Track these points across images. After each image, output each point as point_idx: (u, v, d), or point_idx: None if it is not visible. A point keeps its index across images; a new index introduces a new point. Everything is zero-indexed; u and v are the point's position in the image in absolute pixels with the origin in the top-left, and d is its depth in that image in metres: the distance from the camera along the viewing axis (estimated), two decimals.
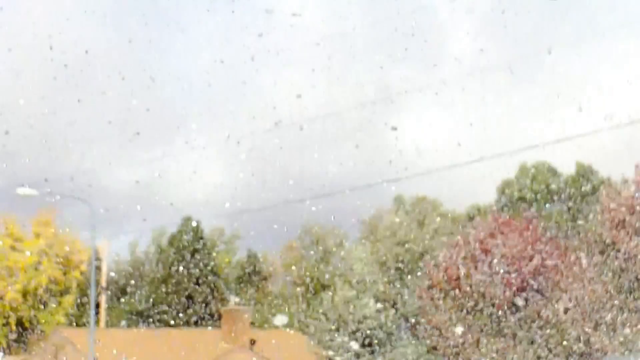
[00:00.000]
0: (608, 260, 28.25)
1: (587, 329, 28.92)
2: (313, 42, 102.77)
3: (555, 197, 53.64)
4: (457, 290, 33.88)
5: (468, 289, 33.52)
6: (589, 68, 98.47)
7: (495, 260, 32.81)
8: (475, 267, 33.43)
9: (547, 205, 53.27)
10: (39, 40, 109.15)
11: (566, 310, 29.68)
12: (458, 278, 33.85)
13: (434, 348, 37.38)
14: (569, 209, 53.37)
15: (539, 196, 52.59)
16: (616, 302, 28.05)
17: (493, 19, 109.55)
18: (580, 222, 42.70)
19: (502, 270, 32.60)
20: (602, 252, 28.68)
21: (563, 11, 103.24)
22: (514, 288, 32.73)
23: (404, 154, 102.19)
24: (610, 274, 28.21)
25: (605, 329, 28.31)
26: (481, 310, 33.56)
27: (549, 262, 32.21)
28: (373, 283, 44.70)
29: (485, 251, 33.23)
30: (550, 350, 31.06)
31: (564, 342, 30.63)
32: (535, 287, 32.19)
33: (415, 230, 47.90)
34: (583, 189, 52.77)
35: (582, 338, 29.34)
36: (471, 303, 33.63)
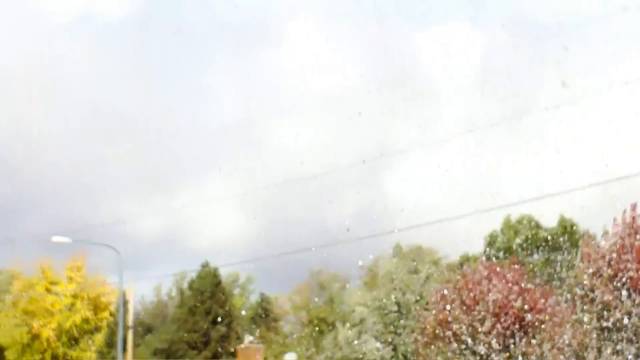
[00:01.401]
0: (586, 307, 28.07)
1: None
2: (317, 103, 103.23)
3: (538, 248, 53.54)
4: (448, 332, 33.62)
5: (458, 331, 33.28)
6: (573, 127, 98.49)
7: (482, 304, 32.66)
8: (464, 311, 33.20)
9: (533, 255, 53.12)
10: (77, 100, 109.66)
11: (550, 350, 29.41)
12: (448, 321, 33.59)
13: None
14: (549, 259, 53.18)
15: (523, 246, 52.53)
16: (595, 343, 27.78)
17: (483, 79, 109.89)
18: (561, 270, 42.57)
19: (489, 313, 32.46)
20: (582, 299, 28.45)
21: (546, 71, 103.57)
22: (501, 329, 32.52)
23: (400, 206, 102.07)
24: (588, 319, 27.99)
25: None
26: (473, 352, 33.29)
27: (531, 306, 32.11)
28: (373, 324, 44.63)
29: (474, 296, 33.04)
30: None
31: None
32: (520, 329, 32.04)
33: (409, 277, 47.80)
34: (564, 241, 52.64)
35: None
36: (462, 344, 33.35)
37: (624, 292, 26.78)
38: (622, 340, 26.99)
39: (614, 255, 27.37)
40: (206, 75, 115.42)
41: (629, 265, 27.01)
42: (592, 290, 27.49)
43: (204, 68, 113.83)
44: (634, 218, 27.70)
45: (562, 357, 28.62)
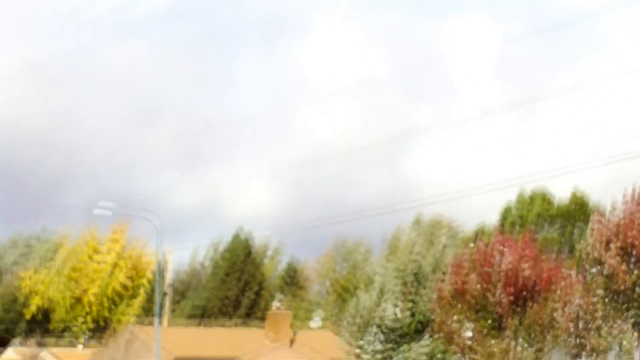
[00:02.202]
0: (595, 276, 27.92)
1: (578, 332, 28.39)
2: (346, 86, 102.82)
3: (551, 222, 53.15)
4: (463, 299, 33.43)
5: (472, 299, 33.06)
6: (587, 107, 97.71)
7: (494, 274, 32.44)
8: (478, 280, 32.97)
9: (544, 227, 52.75)
10: (121, 85, 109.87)
11: (560, 316, 29.16)
12: (463, 289, 33.38)
13: (446, 348, 36.92)
14: (563, 231, 52.78)
15: (535, 220, 52.16)
16: (602, 309, 27.59)
17: (500, 65, 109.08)
18: (572, 242, 42.25)
19: (501, 282, 32.25)
20: (591, 268, 28.30)
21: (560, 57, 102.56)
22: (512, 297, 32.28)
23: (420, 182, 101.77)
24: (596, 287, 27.84)
25: (594, 332, 27.76)
26: (484, 317, 33.06)
27: (542, 275, 31.87)
28: (392, 292, 44.41)
29: (488, 265, 32.79)
30: (545, 350, 30.62)
31: (559, 341, 30.12)
32: (530, 296, 31.84)
33: (427, 247, 47.50)
34: (576, 215, 52.27)
35: (574, 340, 28.81)
36: (476, 311, 33.15)
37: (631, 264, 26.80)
38: (627, 308, 26.98)
39: (622, 228, 27.29)
40: (238, 64, 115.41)
41: (635, 241, 26.91)
42: (601, 261, 27.38)
43: (236, 57, 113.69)
44: None
45: (571, 323, 28.44)
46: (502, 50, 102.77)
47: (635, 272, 26.75)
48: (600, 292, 27.59)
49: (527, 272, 31.85)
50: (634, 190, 27.82)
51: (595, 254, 27.41)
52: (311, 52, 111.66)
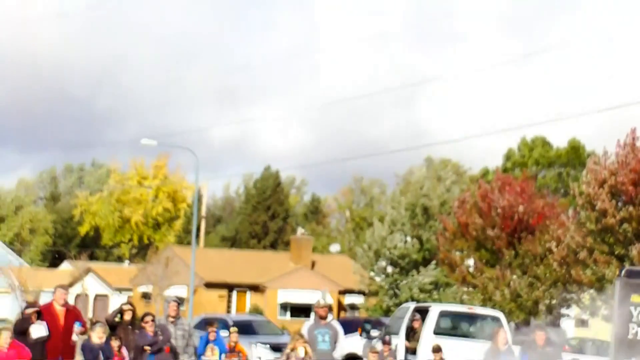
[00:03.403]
0: (587, 213, 27.51)
1: (568, 264, 28.02)
2: (367, 35, 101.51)
3: (549, 165, 52.53)
4: (465, 233, 33.11)
5: (474, 233, 32.71)
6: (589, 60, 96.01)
7: (494, 210, 32.05)
8: (480, 215, 32.56)
9: (543, 170, 52.15)
10: (162, 29, 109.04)
11: (552, 249, 28.78)
12: (466, 224, 33.00)
13: (449, 276, 36.70)
14: (559, 174, 52.17)
15: (535, 163, 51.52)
16: (591, 244, 27.20)
17: (508, 18, 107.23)
18: (567, 183, 41.69)
19: (500, 217, 31.88)
20: (583, 207, 27.86)
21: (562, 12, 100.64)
22: (509, 232, 31.94)
23: (434, 125, 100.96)
24: (589, 224, 27.43)
25: (581, 265, 27.40)
26: (484, 250, 32.72)
27: (538, 211, 31.49)
28: (402, 224, 44.18)
29: (488, 202, 32.36)
30: (538, 279, 30.34)
31: (548, 274, 29.80)
32: (526, 230, 31.50)
33: (435, 186, 47.01)
34: (572, 159, 51.67)
35: (563, 271, 28.47)
36: (477, 242, 32.82)
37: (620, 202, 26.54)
38: (613, 243, 26.78)
39: (615, 170, 26.88)
40: (273, 11, 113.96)
41: (625, 182, 26.49)
42: (593, 200, 27.00)
43: (273, 4, 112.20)
44: (633, 139, 27.05)
45: (561, 255, 28.12)
46: (510, 5, 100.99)
47: (623, 210, 26.41)
48: (591, 227, 27.18)
49: (521, 209, 31.51)
50: (627, 136, 27.33)
51: (589, 192, 27.01)
52: (336, 4, 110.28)
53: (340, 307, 52.69)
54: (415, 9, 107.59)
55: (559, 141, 54.11)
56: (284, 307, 52.00)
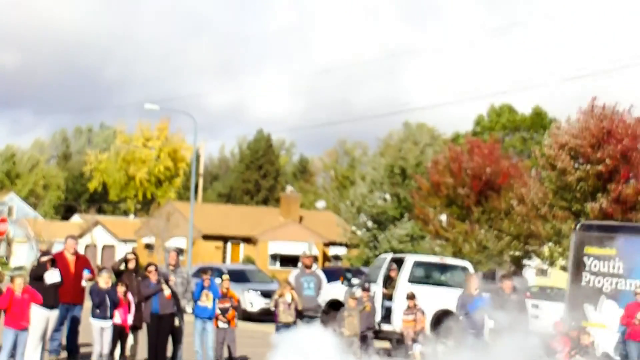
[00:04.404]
0: (548, 173, 27.67)
1: (530, 219, 28.21)
2: (354, 8, 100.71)
3: (514, 130, 52.63)
4: (438, 191, 33.17)
5: (445, 191, 32.80)
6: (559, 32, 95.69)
7: (464, 170, 32.13)
8: (451, 175, 32.64)
9: (509, 135, 52.23)
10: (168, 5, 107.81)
11: (515, 205, 28.93)
12: (439, 183, 33.06)
13: (423, 230, 36.83)
14: (524, 138, 52.27)
15: (502, 128, 51.62)
16: (551, 201, 27.38)
17: None
18: (531, 146, 41.79)
19: (469, 177, 31.99)
20: (544, 167, 28.00)
21: None
22: (477, 190, 32.05)
23: (412, 93, 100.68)
24: (549, 183, 27.59)
25: (542, 220, 27.61)
26: (455, 206, 32.84)
27: (503, 171, 31.61)
28: (381, 183, 44.18)
29: (459, 163, 32.43)
30: (502, 233, 30.56)
31: (512, 228, 30.01)
32: (493, 189, 31.62)
33: (412, 148, 47.03)
34: (535, 125, 51.79)
35: (525, 226, 28.68)
36: (448, 200, 32.93)
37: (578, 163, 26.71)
38: (571, 199, 26.95)
39: (575, 134, 26.99)
40: None
41: (584, 144, 26.61)
42: (554, 161, 27.12)
43: None
44: (593, 107, 27.04)
45: (524, 211, 28.28)
46: None
47: (581, 169, 26.57)
48: (551, 186, 27.34)
49: (488, 170, 31.59)
50: (588, 105, 27.42)
51: (550, 154, 27.15)
52: None
53: (325, 257, 52.88)
54: None
55: (524, 108, 54.14)
56: (274, 257, 52.15)
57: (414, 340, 16.45)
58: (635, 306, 15.16)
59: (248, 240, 52.26)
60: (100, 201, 74.56)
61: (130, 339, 14.34)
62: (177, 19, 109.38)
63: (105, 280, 13.37)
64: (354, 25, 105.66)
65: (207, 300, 14.96)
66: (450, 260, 21.72)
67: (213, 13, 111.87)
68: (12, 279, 13.24)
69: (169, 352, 14.74)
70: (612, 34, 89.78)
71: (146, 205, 67.88)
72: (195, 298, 15.07)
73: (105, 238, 58.72)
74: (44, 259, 14.24)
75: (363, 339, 16.95)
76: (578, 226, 17.30)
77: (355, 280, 20.30)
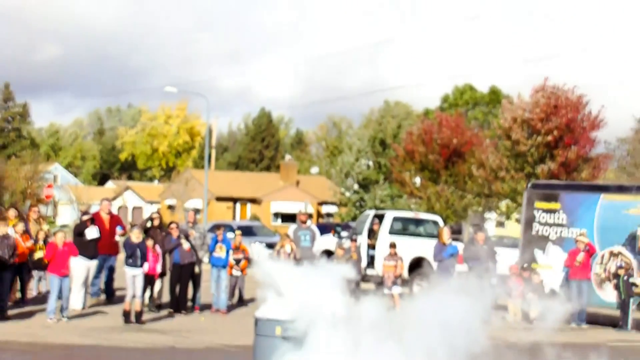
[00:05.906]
0: (504, 142, 27.72)
1: (489, 181, 28.29)
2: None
3: (475, 106, 52.58)
4: (413, 158, 33.11)
5: (419, 158, 32.76)
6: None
7: (434, 140, 32.07)
8: (423, 144, 32.56)
9: (471, 109, 52.15)
10: None
11: (476, 170, 28.98)
12: (413, 152, 33.00)
13: (400, 192, 36.86)
14: (484, 112, 52.20)
15: (465, 105, 51.52)
16: (506, 165, 27.48)
17: None
18: (489, 120, 41.70)
19: (439, 146, 31.94)
20: (500, 137, 28.04)
21: None
22: (445, 157, 32.03)
23: (391, 74, 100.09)
24: (504, 150, 27.66)
25: (500, 180, 27.70)
26: (427, 171, 32.83)
27: (467, 140, 31.58)
28: (365, 153, 44.18)
29: (430, 135, 32.35)
30: (467, 191, 30.63)
31: (475, 188, 30.08)
32: (457, 156, 31.61)
33: (390, 122, 46.90)
34: (493, 102, 51.71)
35: (486, 186, 28.76)
36: (421, 166, 32.90)
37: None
38: (523, 163, 27.07)
39: (527, 109, 26.99)
40: None
41: (534, 118, 26.64)
42: (509, 132, 27.15)
43: None
44: (544, 86, 26.98)
45: (484, 174, 28.34)
46: None
47: (531, 139, 26.64)
48: (506, 153, 27.40)
49: (455, 141, 31.56)
50: (540, 83, 27.42)
51: (505, 126, 27.16)
52: None
53: (319, 215, 53.02)
54: None
55: (483, 87, 53.95)
56: (276, 215, 52.27)
57: (394, 283, 16.51)
58: (576, 251, 15.32)
59: (254, 201, 52.32)
60: (129, 170, 74.38)
61: (157, 284, 14.40)
62: (192, 13, 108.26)
63: (136, 235, 13.39)
64: (343, 18, 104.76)
65: (220, 252, 15.01)
66: (423, 215, 21.78)
67: (224, 8, 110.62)
68: (54, 234, 13.27)
69: (190, 294, 14.83)
70: (555, 24, 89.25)
71: (168, 172, 67.78)
72: (211, 250, 15.11)
73: (134, 200, 58.70)
74: (85, 218, 14.28)
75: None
76: (529, 185, 17.35)
77: (344, 233, 20.38)
